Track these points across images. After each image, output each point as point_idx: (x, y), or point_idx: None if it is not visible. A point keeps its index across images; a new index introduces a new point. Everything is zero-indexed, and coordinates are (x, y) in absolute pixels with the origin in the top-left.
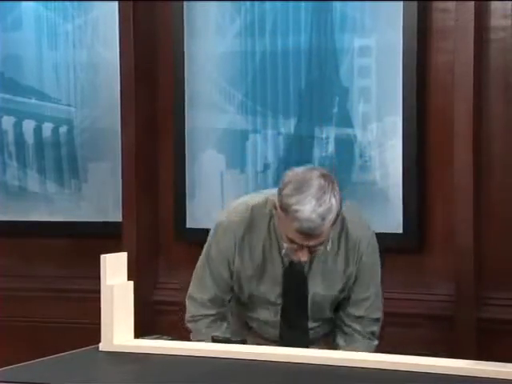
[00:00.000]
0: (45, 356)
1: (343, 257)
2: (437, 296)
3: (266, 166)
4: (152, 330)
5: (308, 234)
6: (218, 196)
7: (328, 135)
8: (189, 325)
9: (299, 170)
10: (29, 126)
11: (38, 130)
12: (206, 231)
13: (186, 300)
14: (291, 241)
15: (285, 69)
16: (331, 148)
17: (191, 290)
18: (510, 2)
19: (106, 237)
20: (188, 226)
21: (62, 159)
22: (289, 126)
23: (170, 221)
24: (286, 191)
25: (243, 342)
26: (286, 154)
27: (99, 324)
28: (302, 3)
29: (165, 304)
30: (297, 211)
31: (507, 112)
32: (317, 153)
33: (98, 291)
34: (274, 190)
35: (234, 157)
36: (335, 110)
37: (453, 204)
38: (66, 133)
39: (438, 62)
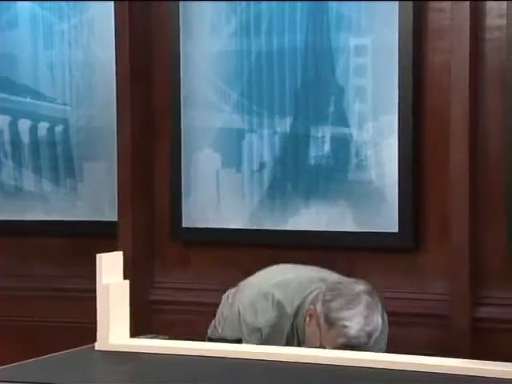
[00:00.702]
0: (40, 355)
1: None
2: (432, 295)
3: (261, 165)
4: (148, 330)
5: (356, 346)
6: (213, 195)
7: (324, 134)
8: None
9: (344, 282)
10: (24, 125)
11: (33, 130)
12: (202, 230)
13: None
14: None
15: (280, 68)
16: (327, 147)
17: None
18: (505, 1)
19: (101, 236)
20: (184, 225)
21: (58, 158)
22: (285, 125)
23: (165, 220)
24: (334, 305)
25: (239, 341)
26: (282, 153)
27: (95, 323)
28: (298, 3)
29: (161, 303)
30: (345, 327)
31: (503, 111)
32: (313, 152)
33: (94, 290)
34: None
35: (230, 156)
36: (331, 109)
37: (449, 203)
38: (62, 132)
39: (434, 62)
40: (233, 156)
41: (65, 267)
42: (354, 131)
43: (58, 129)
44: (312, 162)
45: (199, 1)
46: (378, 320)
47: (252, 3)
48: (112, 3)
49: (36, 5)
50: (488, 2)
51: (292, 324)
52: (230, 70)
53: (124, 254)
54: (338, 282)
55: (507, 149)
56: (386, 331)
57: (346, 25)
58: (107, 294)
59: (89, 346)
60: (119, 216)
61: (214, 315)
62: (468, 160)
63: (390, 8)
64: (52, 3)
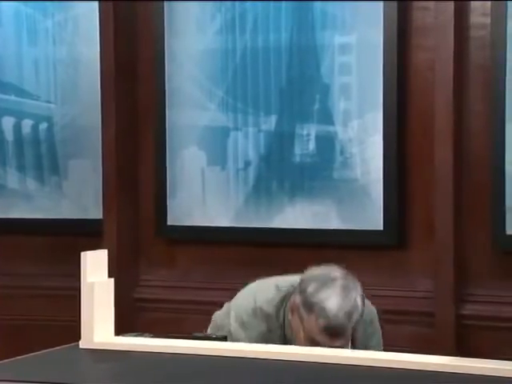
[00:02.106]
0: (25, 353)
1: None
2: (417, 292)
3: (246, 163)
4: (133, 328)
5: (335, 332)
6: (198, 193)
7: (309, 132)
8: None
9: (318, 268)
10: (8, 122)
11: (17, 127)
12: (187, 228)
13: None
14: (310, 339)
15: (265, 66)
16: (312, 145)
17: None
18: (489, 0)
19: (86, 234)
20: (169, 223)
21: (42, 156)
22: (270, 123)
23: (150, 218)
24: (310, 289)
25: (224, 338)
26: (267, 151)
27: (79, 321)
28: (283, 1)
29: (146, 301)
30: (323, 308)
31: (487, 109)
32: (298, 150)
33: (79, 289)
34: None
35: (215, 154)
36: (316, 107)
37: (433, 201)
38: (46, 130)
39: (419, 60)
40: (218, 154)
41: (49, 265)
42: (338, 129)
43: (43, 126)
44: (297, 159)
45: (183, 0)
46: (356, 300)
47: (237, 2)
48: (96, 1)
49: (20, 2)
50: (472, 1)
51: (282, 332)
52: (215, 68)
53: (109, 252)
54: (311, 271)
55: (491, 146)
56: (376, 323)
57: (331, 23)
58: (92, 292)
59: (73, 344)
60: (104, 214)
61: (199, 313)
62: (452, 157)
63: (374, 6)
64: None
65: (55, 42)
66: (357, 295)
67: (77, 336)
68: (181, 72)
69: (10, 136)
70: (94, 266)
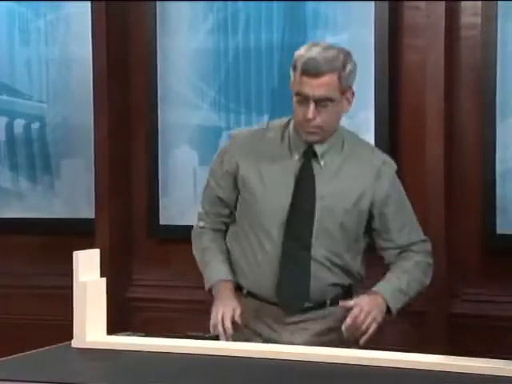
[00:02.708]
0: (17, 353)
1: (358, 176)
2: None
3: None
4: (126, 327)
5: (312, 71)
6: (190, 192)
7: None
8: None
9: None
10: (0, 122)
11: (9, 127)
12: (179, 228)
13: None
14: (298, 94)
15: (258, 66)
16: None
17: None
18: (479, 0)
19: (78, 234)
20: (161, 222)
21: (35, 156)
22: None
23: (143, 217)
24: (298, 51)
25: (216, 337)
26: None
27: (72, 321)
28: (275, 1)
29: (138, 300)
30: (303, 55)
31: (478, 108)
32: None
33: (71, 288)
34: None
35: (207, 153)
36: None
37: (425, 200)
38: (38, 129)
39: (410, 60)
40: (210, 153)
41: (42, 265)
42: None
43: (35, 126)
44: None
45: (176, 0)
46: (339, 53)
47: (229, 2)
48: (89, 1)
49: (12, 2)
50: (463, 1)
51: (281, 136)
52: (207, 67)
53: (101, 252)
54: None
55: (482, 145)
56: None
57: (323, 22)
58: (84, 291)
59: (65, 343)
60: (96, 213)
61: (192, 312)
62: (443, 157)
63: (366, 6)
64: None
65: (47, 41)
66: (341, 52)
67: (69, 335)
68: (173, 71)
69: (2, 136)
70: (87, 266)
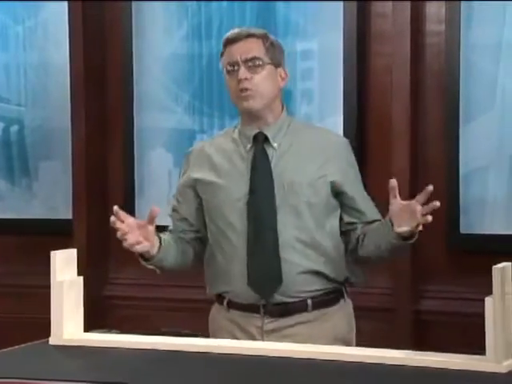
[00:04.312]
0: None
1: (314, 151)
2: (375, 289)
3: None
4: (102, 325)
5: (234, 38)
6: (165, 193)
7: None
8: None
9: None
10: None
11: None
12: (155, 228)
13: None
14: (228, 65)
15: None
16: None
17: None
18: (443, 7)
19: (56, 234)
20: None
21: (13, 158)
22: None
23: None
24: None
25: (194, 334)
26: None
27: (50, 319)
28: (247, 7)
29: (114, 299)
30: (226, 34)
31: (442, 113)
32: None
33: (49, 287)
34: None
35: (182, 155)
36: None
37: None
38: (17, 132)
39: (377, 65)
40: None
41: (20, 264)
42: None
43: (13, 129)
44: None
45: (151, 0)
46: (258, 28)
47: (203, 7)
48: (66, 5)
49: None
50: (427, 8)
51: (231, 136)
52: (182, 72)
53: (78, 251)
54: None
55: (446, 148)
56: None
57: (293, 29)
58: (61, 290)
59: (43, 340)
60: (73, 214)
61: (166, 309)
62: (409, 159)
63: (334, 13)
64: (6, 6)
65: (25, 46)
66: (263, 29)
67: (47, 333)
68: (148, 76)
69: None
70: (64, 265)
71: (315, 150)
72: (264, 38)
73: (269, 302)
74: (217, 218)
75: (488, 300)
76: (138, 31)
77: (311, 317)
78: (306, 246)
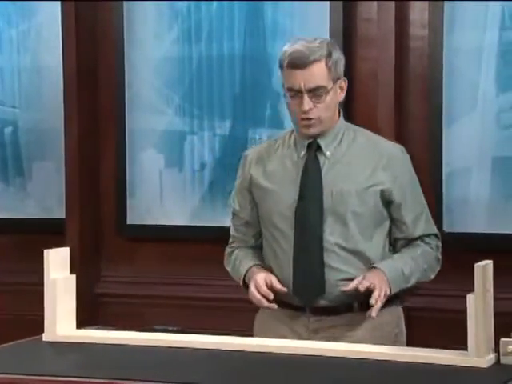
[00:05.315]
0: None
1: (366, 160)
2: None
3: (202, 166)
4: (95, 321)
5: (299, 62)
6: (157, 194)
7: (261, 136)
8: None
9: None
10: None
11: None
12: (146, 227)
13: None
14: (290, 89)
15: (220, 73)
16: None
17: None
18: (427, 11)
19: (50, 233)
20: (128, 222)
21: (7, 159)
22: (224, 127)
23: (111, 217)
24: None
25: (182, 331)
26: (222, 154)
27: (43, 316)
28: (236, 11)
29: (107, 296)
30: (287, 51)
31: (426, 114)
32: None
33: (43, 285)
34: None
35: (173, 156)
36: (267, 112)
37: None
38: (11, 133)
39: (363, 70)
40: (175, 156)
41: (14, 263)
42: None
43: (8, 130)
44: None
45: (142, 1)
46: (322, 43)
47: (192, 11)
48: (59, 7)
49: None
50: (411, 13)
51: (288, 142)
52: (173, 74)
53: (71, 250)
54: None
55: (430, 149)
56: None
57: (281, 32)
58: (54, 288)
59: (36, 337)
60: (66, 213)
61: (158, 307)
62: None
63: (321, 17)
64: (0, 10)
65: (19, 50)
66: (325, 41)
67: (41, 330)
68: (140, 79)
69: None
70: (57, 264)
71: (367, 158)
72: (327, 58)
73: (312, 306)
74: (268, 224)
75: (470, 297)
76: (130, 34)
77: (358, 318)
78: (350, 253)
